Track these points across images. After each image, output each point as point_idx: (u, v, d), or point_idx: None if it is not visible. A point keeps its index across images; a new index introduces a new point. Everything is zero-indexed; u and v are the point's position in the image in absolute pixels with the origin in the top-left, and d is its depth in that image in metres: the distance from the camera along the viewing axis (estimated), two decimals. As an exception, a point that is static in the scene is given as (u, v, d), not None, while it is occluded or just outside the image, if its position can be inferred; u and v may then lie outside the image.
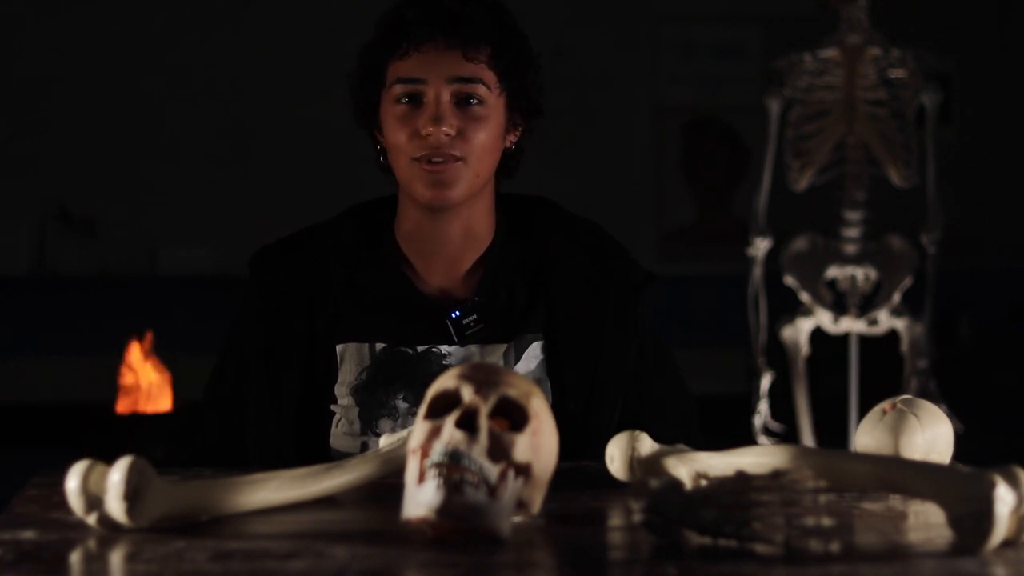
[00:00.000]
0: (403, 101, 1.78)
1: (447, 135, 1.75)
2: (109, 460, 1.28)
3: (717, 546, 1.19)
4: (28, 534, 1.27)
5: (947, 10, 6.17)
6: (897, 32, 3.77)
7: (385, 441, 1.52)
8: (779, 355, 3.75)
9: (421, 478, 1.22)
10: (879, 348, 3.83)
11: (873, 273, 3.69)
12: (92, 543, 1.24)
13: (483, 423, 1.24)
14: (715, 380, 5.25)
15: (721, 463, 1.41)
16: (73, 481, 1.27)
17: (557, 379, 1.83)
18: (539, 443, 1.27)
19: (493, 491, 1.22)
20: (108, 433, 4.23)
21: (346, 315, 1.83)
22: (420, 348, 1.82)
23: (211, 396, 1.88)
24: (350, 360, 1.81)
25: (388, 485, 1.40)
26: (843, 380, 3.79)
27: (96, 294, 5.87)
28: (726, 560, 1.16)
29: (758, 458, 1.38)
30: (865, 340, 3.77)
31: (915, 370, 3.65)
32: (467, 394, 1.26)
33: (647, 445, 1.49)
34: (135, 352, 4.22)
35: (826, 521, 1.19)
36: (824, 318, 3.71)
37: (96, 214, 5.86)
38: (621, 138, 6.28)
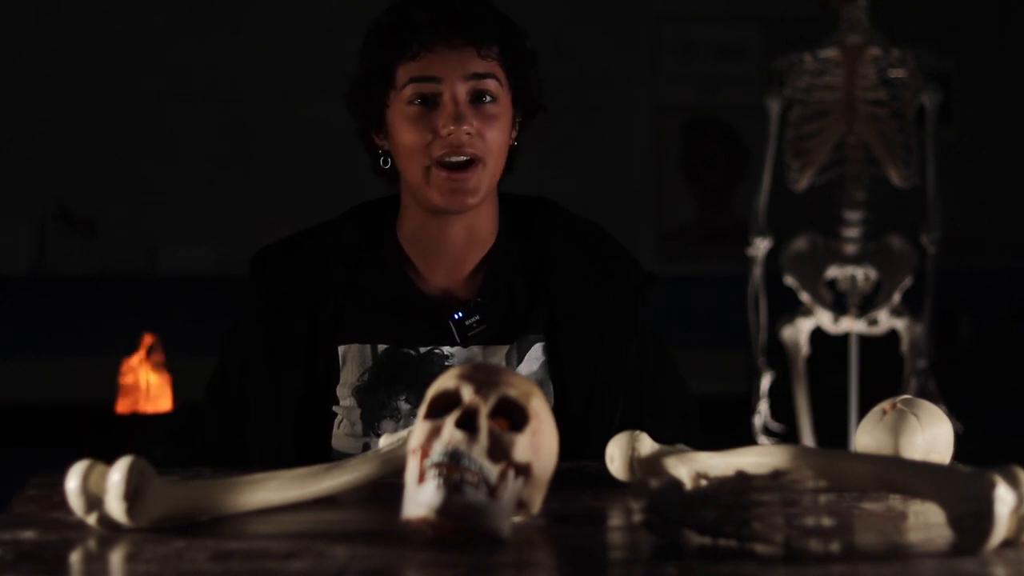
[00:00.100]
0: (416, 102, 1.77)
1: (468, 134, 1.75)
2: (109, 460, 1.28)
3: (717, 546, 1.19)
4: (28, 534, 1.27)
5: (947, 10, 6.17)
6: (897, 32, 3.77)
7: (385, 441, 1.52)
8: (779, 355, 3.75)
9: (421, 478, 1.22)
10: (879, 348, 3.83)
11: (873, 273, 3.69)
12: (92, 543, 1.24)
13: (483, 423, 1.24)
14: (715, 380, 5.25)
15: (721, 463, 1.41)
16: (73, 481, 1.27)
17: (558, 380, 1.83)
18: (539, 443, 1.27)
19: (493, 491, 1.22)
20: (108, 433, 4.23)
21: (347, 316, 1.82)
22: (422, 349, 1.82)
23: (212, 396, 1.88)
24: (352, 361, 1.81)
25: (388, 485, 1.40)
26: (843, 380, 3.79)
27: (96, 294, 5.87)
28: (726, 560, 1.16)
29: (758, 458, 1.38)
30: (865, 340, 3.77)
31: (915, 370, 3.65)
32: (467, 394, 1.26)
33: (647, 445, 1.49)
34: (137, 353, 4.22)
35: (826, 521, 1.19)
36: (824, 318, 3.71)
37: (96, 214, 5.86)
38: (621, 138, 6.28)
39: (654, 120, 6.31)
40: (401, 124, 1.78)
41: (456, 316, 1.82)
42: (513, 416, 1.27)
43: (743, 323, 3.73)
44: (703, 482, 1.32)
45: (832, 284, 3.74)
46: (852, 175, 3.64)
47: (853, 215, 3.67)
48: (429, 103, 1.77)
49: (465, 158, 1.76)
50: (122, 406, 4.19)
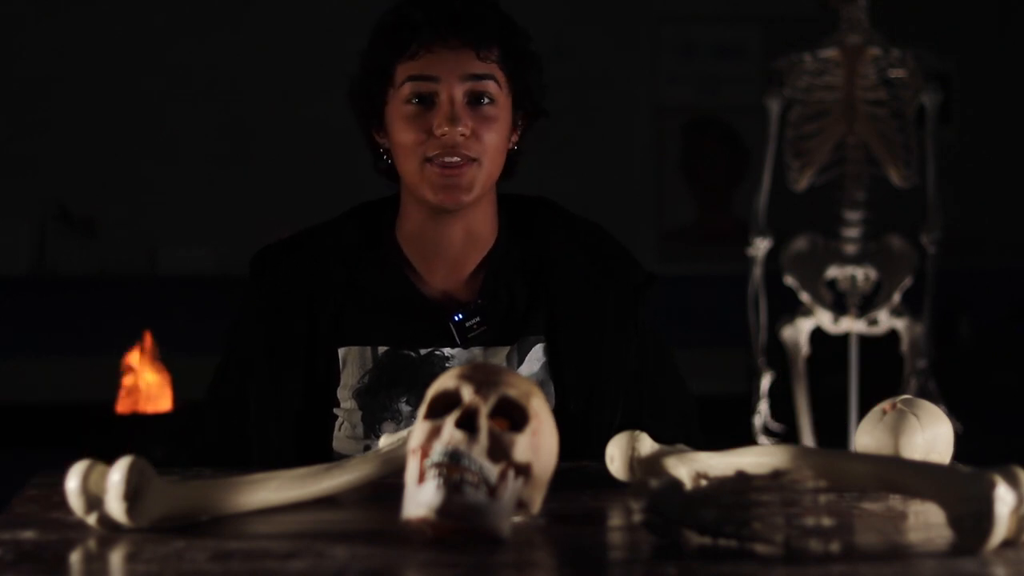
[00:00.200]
0: (414, 101, 1.77)
1: (462, 135, 1.75)
2: (109, 460, 1.28)
3: (717, 546, 1.19)
4: (28, 534, 1.27)
5: (947, 10, 6.17)
6: (897, 32, 3.76)
7: (385, 441, 1.52)
8: (779, 355, 3.75)
9: (421, 478, 1.22)
10: (879, 348, 3.82)
11: (873, 273, 3.69)
12: (92, 543, 1.24)
13: (483, 423, 1.24)
14: (715, 380, 5.24)
15: (721, 463, 1.41)
16: (73, 481, 1.27)
17: (559, 380, 1.83)
18: (539, 443, 1.27)
19: (493, 491, 1.22)
20: (108, 433, 4.22)
21: (348, 317, 1.82)
22: (423, 351, 1.82)
23: (212, 396, 1.88)
24: (352, 363, 1.81)
25: (388, 485, 1.40)
26: (843, 380, 3.79)
27: (96, 294, 5.87)
28: (726, 560, 1.16)
29: (758, 458, 1.38)
30: (865, 340, 3.77)
31: (915, 370, 3.65)
32: (467, 394, 1.26)
33: (647, 445, 1.49)
34: (136, 353, 4.22)
35: (826, 521, 1.19)
36: (824, 318, 3.71)
37: (96, 214, 5.86)
38: (621, 138, 6.28)
39: (654, 120, 6.31)
40: (398, 122, 1.79)
41: (456, 318, 1.82)
42: (513, 416, 1.27)
43: (743, 323, 3.73)
44: (703, 482, 1.32)
45: (832, 284, 3.74)
46: (852, 175, 3.64)
47: (853, 215, 3.67)
48: (426, 102, 1.77)
49: (458, 159, 1.75)
50: (122, 406, 4.18)
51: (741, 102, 6.21)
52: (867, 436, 1.49)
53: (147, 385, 4.16)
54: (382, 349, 1.81)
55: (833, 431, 3.74)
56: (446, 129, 1.74)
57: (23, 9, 5.88)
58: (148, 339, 4.15)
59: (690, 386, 1.96)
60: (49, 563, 1.18)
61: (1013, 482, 1.18)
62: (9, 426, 5.55)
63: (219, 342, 1.91)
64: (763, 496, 1.18)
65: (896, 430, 1.47)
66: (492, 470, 1.22)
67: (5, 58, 5.84)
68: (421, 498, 1.21)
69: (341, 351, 1.82)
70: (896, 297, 3.68)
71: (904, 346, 3.70)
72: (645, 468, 1.48)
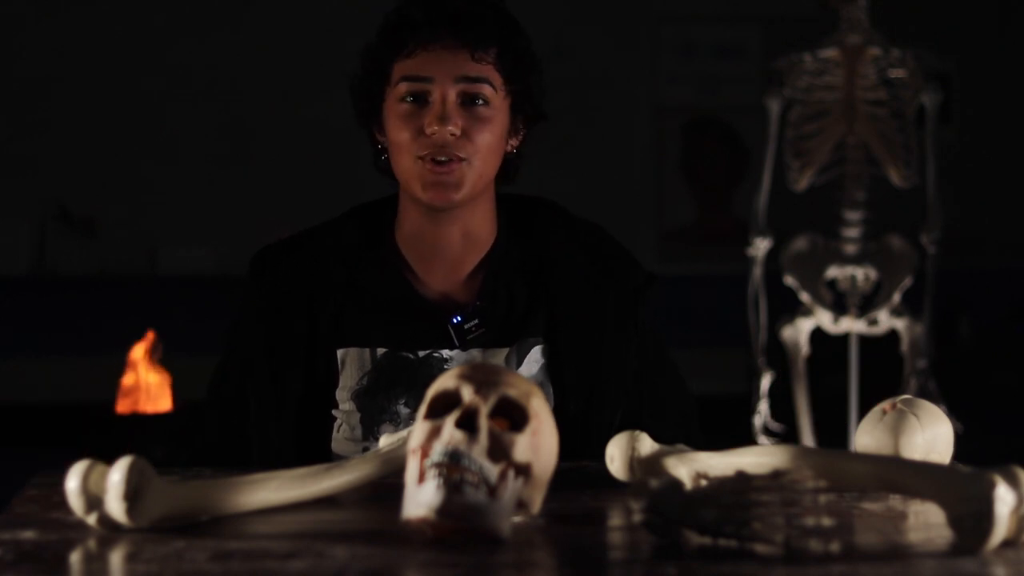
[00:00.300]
0: (408, 100, 1.77)
1: (452, 134, 1.75)
2: (109, 460, 1.28)
3: (717, 546, 1.19)
4: (28, 534, 1.27)
5: (947, 10, 6.18)
6: (897, 32, 3.77)
7: (385, 441, 1.52)
8: (779, 355, 3.75)
9: (421, 478, 1.22)
10: (879, 348, 3.83)
11: (873, 273, 3.69)
12: (92, 543, 1.24)
13: (483, 423, 1.24)
14: (715, 380, 5.25)
15: (721, 463, 1.41)
16: (73, 481, 1.27)
17: (558, 381, 1.83)
18: (539, 443, 1.27)
19: (493, 491, 1.22)
20: (108, 433, 4.22)
21: (347, 317, 1.82)
22: (421, 353, 1.81)
23: (212, 396, 1.87)
24: (351, 365, 1.81)
25: (388, 485, 1.40)
26: (843, 380, 3.79)
27: (96, 294, 5.87)
28: (726, 560, 1.16)
29: (758, 458, 1.38)
30: (865, 340, 3.77)
31: (915, 370, 3.65)
32: (467, 394, 1.26)
33: (647, 445, 1.49)
34: (137, 352, 4.22)
35: (826, 521, 1.19)
36: (824, 318, 3.71)
37: (96, 214, 5.86)
38: (621, 138, 6.28)
39: (654, 120, 6.31)
40: (393, 121, 1.79)
41: (455, 320, 1.82)
42: (513, 416, 1.27)
43: (743, 323, 3.73)
44: (703, 482, 1.32)
45: (832, 284, 3.74)
46: (852, 175, 3.64)
47: (853, 215, 3.67)
48: (420, 101, 1.77)
49: (447, 159, 1.75)
50: (122, 406, 4.18)
51: (741, 102, 6.21)
52: (867, 436, 1.49)
53: (147, 385, 4.16)
54: (380, 351, 1.81)
55: (833, 431, 3.74)
56: (436, 128, 1.75)
57: (23, 9, 5.88)
58: (152, 338, 4.15)
59: (690, 386, 1.96)
60: (49, 563, 1.18)
61: (1013, 482, 1.18)
62: (9, 426, 5.55)
63: (219, 342, 1.90)
64: (763, 496, 1.18)
65: (896, 430, 1.47)
66: (492, 470, 1.22)
67: (5, 58, 5.84)
68: (421, 498, 1.21)
69: (340, 352, 1.82)
70: (896, 297, 3.68)
71: (904, 346, 3.70)
72: (645, 468, 1.48)
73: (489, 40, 1.77)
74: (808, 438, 3.71)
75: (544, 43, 1.92)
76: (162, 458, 1.44)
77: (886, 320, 3.70)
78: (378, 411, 1.79)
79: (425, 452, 1.23)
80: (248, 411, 1.82)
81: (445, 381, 1.29)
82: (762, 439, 3.66)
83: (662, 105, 6.31)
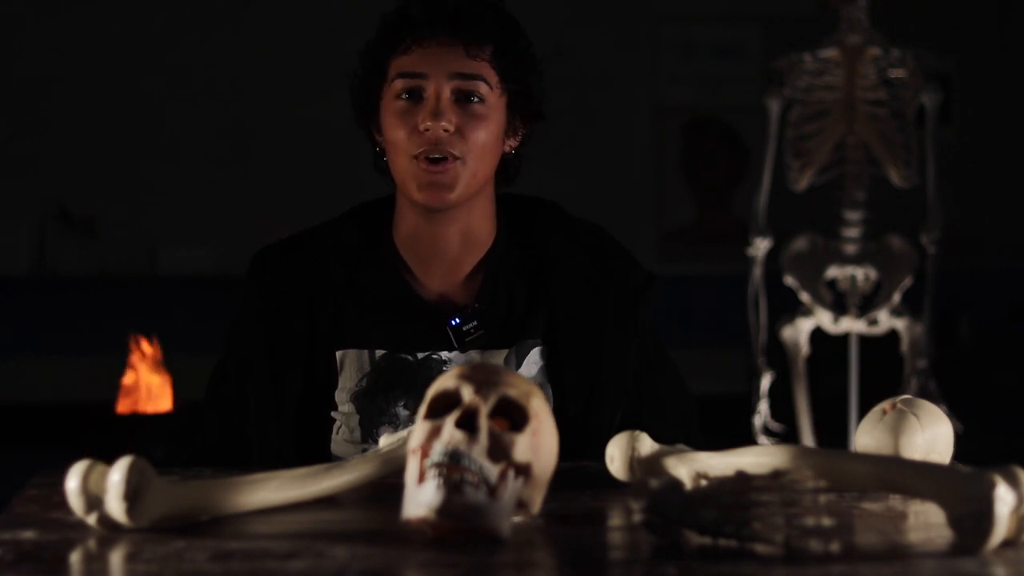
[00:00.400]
0: (403, 97, 1.77)
1: (446, 131, 1.75)
2: (109, 460, 1.27)
3: (717, 546, 1.19)
4: (28, 534, 1.27)
5: (947, 10, 6.18)
6: (897, 32, 3.77)
7: (385, 441, 1.52)
8: (779, 355, 3.75)
9: (421, 478, 1.22)
10: (879, 348, 3.83)
11: (873, 273, 3.69)
12: (92, 543, 1.24)
13: (483, 423, 1.24)
14: (715, 380, 5.25)
15: (721, 463, 1.41)
16: (73, 481, 1.27)
17: (558, 381, 1.82)
18: (539, 443, 1.27)
19: (493, 491, 1.22)
20: (108, 433, 4.22)
21: (347, 318, 1.82)
22: (420, 355, 1.81)
23: (212, 396, 1.87)
24: (350, 367, 1.81)
25: (388, 485, 1.40)
26: (843, 380, 3.79)
27: (96, 294, 5.87)
28: (726, 560, 1.16)
29: (758, 458, 1.38)
30: (865, 340, 3.77)
31: (915, 370, 3.65)
32: (467, 394, 1.26)
33: (647, 445, 1.49)
34: (137, 352, 4.22)
35: (826, 521, 1.19)
36: (824, 318, 3.71)
37: (96, 214, 5.86)
38: (621, 138, 6.28)
39: (654, 120, 6.31)
40: (388, 118, 1.79)
41: (454, 322, 1.81)
42: (513, 416, 1.27)
43: (743, 323, 3.73)
44: (703, 482, 1.32)
45: (832, 284, 3.74)
46: (852, 175, 3.64)
47: (853, 215, 3.67)
48: (415, 98, 1.77)
49: (440, 156, 1.75)
50: (122, 406, 4.18)
51: (741, 102, 6.21)
52: (867, 436, 1.49)
53: (147, 385, 4.16)
54: (379, 353, 1.81)
55: (833, 431, 3.74)
56: (429, 124, 1.74)
57: (23, 9, 5.88)
58: (153, 342, 4.15)
59: (690, 386, 1.96)
60: (49, 563, 1.18)
61: (1013, 482, 1.18)
62: (9, 426, 5.55)
63: (219, 342, 1.90)
64: (763, 496, 1.18)
65: (896, 430, 1.47)
66: (492, 470, 1.22)
67: (5, 58, 5.84)
68: (421, 498, 1.21)
69: (339, 354, 1.81)
70: (896, 297, 3.68)
71: (904, 346, 3.70)
72: (645, 468, 1.48)
73: (485, 38, 1.77)
74: (808, 438, 3.71)
75: (544, 43, 1.92)
76: (162, 458, 1.44)
77: (886, 320, 3.70)
78: (377, 413, 1.79)
79: (425, 452, 1.23)
80: (248, 411, 1.82)
81: (445, 381, 1.29)
82: (762, 439, 3.66)
83: (662, 105, 6.30)
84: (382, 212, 1.90)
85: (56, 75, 5.83)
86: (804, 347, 3.73)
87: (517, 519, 1.29)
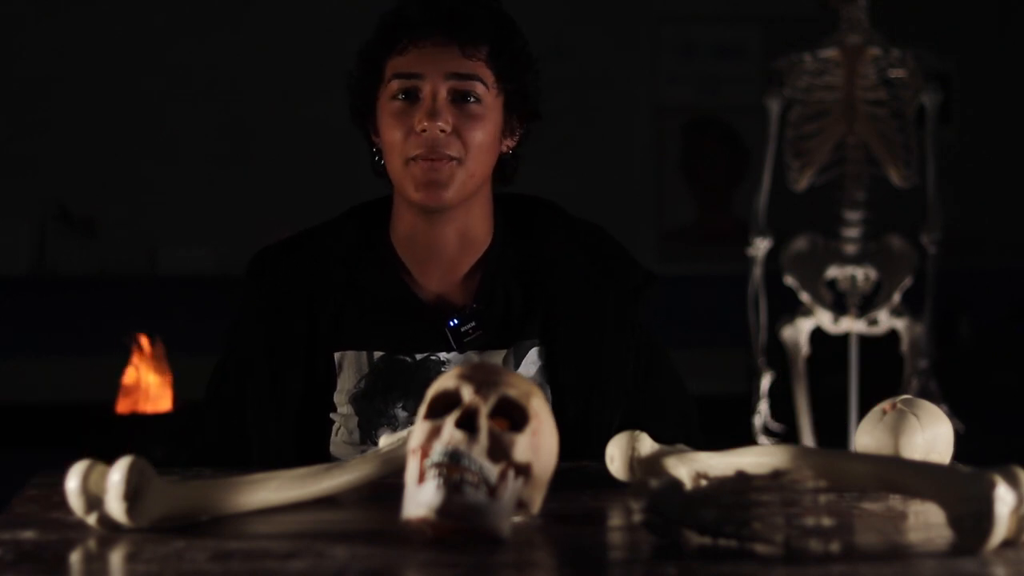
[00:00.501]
0: (400, 97, 1.77)
1: (442, 131, 1.74)
2: (109, 460, 1.27)
3: (717, 546, 1.19)
4: (28, 534, 1.27)
5: (947, 10, 6.18)
6: (897, 32, 3.77)
7: (385, 441, 1.52)
8: (779, 355, 3.75)
9: (421, 478, 1.22)
10: (879, 348, 3.83)
11: (873, 273, 3.69)
12: (92, 543, 1.24)
13: (483, 423, 1.24)
14: (715, 380, 5.25)
15: (721, 463, 1.41)
16: (73, 481, 1.27)
17: (556, 382, 1.82)
18: (539, 443, 1.27)
19: (493, 491, 1.22)
20: (108, 433, 4.23)
21: (345, 319, 1.82)
22: (419, 356, 1.81)
23: (212, 396, 1.87)
24: (348, 368, 1.81)
25: (388, 485, 1.40)
26: (843, 380, 3.79)
27: (96, 294, 5.87)
28: (726, 560, 1.16)
29: (758, 458, 1.38)
30: (865, 340, 3.77)
31: (916, 370, 3.65)
32: (467, 394, 1.26)
33: (647, 445, 1.49)
34: (138, 352, 4.22)
35: (826, 521, 1.19)
36: (824, 318, 3.71)
37: (96, 214, 5.86)
38: (621, 138, 6.28)
39: (654, 120, 6.31)
40: (385, 119, 1.79)
41: (452, 323, 1.81)
42: (513, 416, 1.27)
43: (743, 323, 3.73)
44: (703, 482, 1.32)
45: (832, 284, 3.74)
46: (852, 175, 3.64)
47: (853, 215, 3.67)
48: (412, 99, 1.77)
49: (438, 157, 1.75)
50: (122, 406, 4.19)
51: (741, 102, 6.21)
52: (867, 436, 1.49)
53: (147, 385, 4.16)
54: (378, 354, 1.81)
55: (833, 431, 3.74)
56: (426, 124, 1.74)
57: (23, 9, 5.88)
58: (152, 342, 4.16)
59: (689, 386, 1.96)
60: (49, 563, 1.18)
61: (1013, 482, 1.18)
62: (9, 426, 5.55)
63: (219, 342, 1.90)
64: (763, 496, 1.18)
65: (896, 430, 1.47)
66: (492, 470, 1.22)
67: (5, 58, 5.84)
68: (421, 498, 1.21)
69: (337, 356, 1.81)
70: (896, 297, 3.68)
71: (904, 346, 3.70)
72: (645, 468, 1.48)
73: (481, 38, 1.77)
74: (808, 438, 3.71)
75: (544, 43, 1.92)
76: (162, 458, 1.44)
77: (886, 320, 3.70)
78: (376, 414, 1.79)
79: (425, 452, 1.23)
80: (248, 411, 1.82)
81: (445, 381, 1.29)
82: (762, 439, 3.66)
83: (662, 105, 6.30)
84: (379, 213, 1.90)
85: (56, 75, 5.83)
86: (804, 347, 3.73)
87: (517, 519, 1.29)
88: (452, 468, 1.21)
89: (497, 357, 1.82)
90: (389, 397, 1.79)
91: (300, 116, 5.88)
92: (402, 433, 1.49)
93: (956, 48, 6.04)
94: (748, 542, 1.17)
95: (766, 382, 3.70)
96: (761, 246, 3.71)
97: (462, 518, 1.20)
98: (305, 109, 5.84)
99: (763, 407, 3.70)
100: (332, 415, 1.81)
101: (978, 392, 5.10)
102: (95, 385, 4.74)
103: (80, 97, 5.87)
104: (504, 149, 1.84)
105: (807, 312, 3.72)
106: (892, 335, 3.73)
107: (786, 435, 3.68)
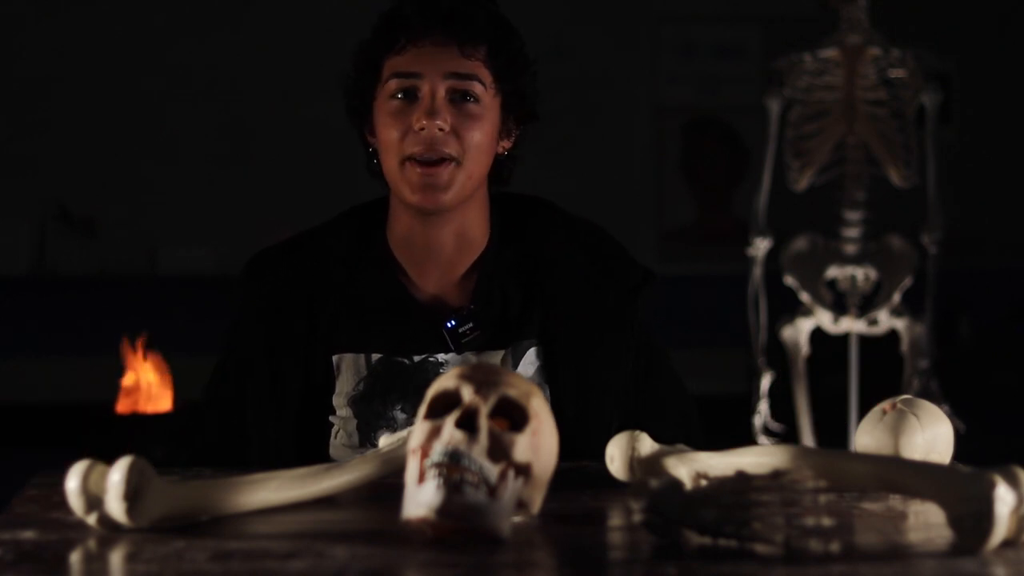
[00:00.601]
0: (398, 97, 1.77)
1: (441, 129, 1.74)
2: (109, 460, 1.27)
3: (717, 546, 1.19)
4: (28, 534, 1.27)
5: (947, 10, 6.18)
6: (897, 32, 3.76)
7: (385, 441, 1.52)
8: (779, 355, 3.75)
9: (421, 478, 1.22)
10: (879, 348, 3.83)
11: (873, 273, 3.69)
12: (92, 543, 1.24)
13: (483, 423, 1.24)
14: (715, 380, 5.25)
15: (721, 463, 1.41)
16: (73, 481, 1.27)
17: (555, 381, 1.82)
18: (539, 443, 1.27)
19: (493, 491, 1.22)
20: (108, 433, 4.22)
21: (344, 320, 1.82)
22: (416, 358, 1.81)
23: (212, 396, 1.87)
24: (347, 371, 1.81)
25: (388, 485, 1.40)
26: (843, 380, 3.79)
27: (96, 294, 5.87)
28: (726, 560, 1.16)
29: (758, 458, 1.38)
30: (865, 340, 3.77)
31: (916, 370, 3.65)
32: (467, 394, 1.26)
33: (647, 445, 1.49)
34: (134, 352, 4.22)
35: (826, 521, 1.19)
36: (824, 318, 3.71)
37: (96, 214, 5.86)
38: (621, 138, 6.28)
39: (654, 120, 6.31)
40: (382, 118, 1.79)
41: (449, 324, 1.81)
42: (513, 416, 1.27)
43: (743, 323, 3.73)
44: (703, 482, 1.32)
45: (832, 284, 3.74)
46: (852, 175, 3.64)
47: (853, 215, 3.67)
48: (410, 98, 1.77)
49: (437, 157, 1.75)
50: (122, 406, 4.18)
51: (741, 102, 6.21)
52: (867, 436, 1.49)
53: (147, 385, 4.16)
54: (376, 356, 1.80)
55: (833, 431, 3.74)
56: (424, 123, 1.74)
57: (23, 9, 5.88)
58: (146, 342, 4.15)
59: (689, 386, 1.96)
60: (49, 563, 1.18)
61: (1013, 482, 1.18)
62: (9, 426, 5.55)
63: (219, 342, 1.90)
64: (763, 496, 1.18)
65: (896, 430, 1.47)
66: (492, 470, 1.22)
67: (5, 58, 5.84)
68: (421, 498, 1.21)
69: (335, 358, 1.81)
70: (896, 297, 3.68)
71: (904, 346, 3.70)
72: (645, 468, 1.48)
73: (479, 38, 1.77)
74: (808, 438, 3.71)
75: (544, 43, 1.92)
76: (162, 458, 1.44)
77: (886, 320, 3.70)
78: (374, 417, 1.79)
79: (425, 452, 1.23)
80: (248, 411, 1.81)
81: (445, 381, 1.29)
82: (762, 439, 3.66)
83: (662, 105, 6.30)
84: (376, 214, 1.89)
85: (56, 75, 5.83)
86: (804, 347, 3.73)
87: (517, 519, 1.29)
88: (452, 468, 1.21)
89: (495, 357, 1.82)
90: (388, 399, 1.79)
91: (300, 116, 5.88)
92: (402, 433, 1.50)
93: (956, 48, 6.04)
94: (748, 542, 1.17)
95: (766, 382, 3.70)
96: (761, 246, 3.71)
97: (462, 518, 1.20)
98: (305, 109, 5.84)
99: (763, 407, 3.70)
100: (331, 418, 1.81)
101: (978, 392, 5.10)
102: (95, 385, 4.73)
103: (80, 97, 5.87)
104: (500, 150, 1.84)
105: (807, 312, 3.72)
106: (892, 335, 3.73)
107: (786, 435, 3.68)
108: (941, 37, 5.60)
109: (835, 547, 1.17)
